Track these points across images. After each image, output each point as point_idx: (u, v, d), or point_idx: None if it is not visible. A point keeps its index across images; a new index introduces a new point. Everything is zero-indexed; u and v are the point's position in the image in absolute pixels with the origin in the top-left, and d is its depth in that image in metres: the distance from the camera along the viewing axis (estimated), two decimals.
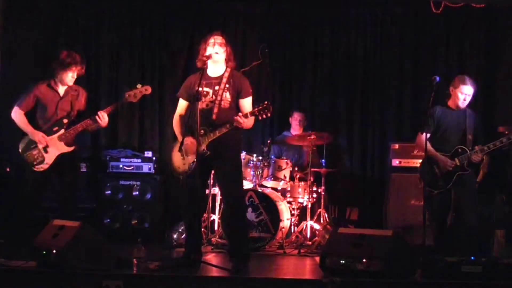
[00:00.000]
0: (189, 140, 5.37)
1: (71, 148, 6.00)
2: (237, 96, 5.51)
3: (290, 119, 8.00)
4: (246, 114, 5.31)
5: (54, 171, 6.00)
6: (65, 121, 6.00)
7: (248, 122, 5.39)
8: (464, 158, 5.95)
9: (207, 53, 5.46)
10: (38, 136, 5.92)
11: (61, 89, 6.07)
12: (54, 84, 6.06)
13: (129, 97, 6.03)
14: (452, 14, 7.88)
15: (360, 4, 8.33)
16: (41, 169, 5.93)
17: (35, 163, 5.92)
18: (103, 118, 5.93)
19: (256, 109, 5.26)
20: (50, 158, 5.93)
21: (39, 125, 6.01)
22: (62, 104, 6.04)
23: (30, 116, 6.09)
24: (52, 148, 5.93)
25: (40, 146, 5.92)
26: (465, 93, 5.99)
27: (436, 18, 7.88)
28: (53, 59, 6.13)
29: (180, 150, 5.34)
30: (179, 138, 5.52)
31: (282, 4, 8.35)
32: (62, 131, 5.97)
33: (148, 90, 6.10)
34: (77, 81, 8.00)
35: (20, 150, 5.99)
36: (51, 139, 5.95)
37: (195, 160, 5.32)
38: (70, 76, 6.03)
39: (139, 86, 6.08)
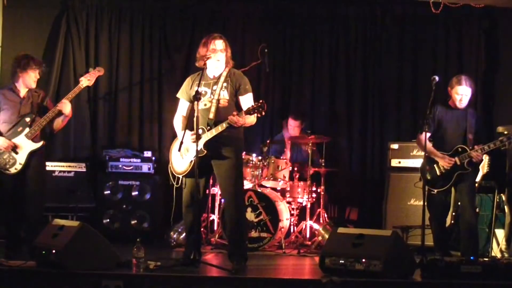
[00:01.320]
0: (188, 140, 5.37)
1: (40, 144, 6.03)
2: (235, 93, 5.50)
3: (284, 121, 7.95)
4: (241, 112, 5.31)
5: (28, 168, 6.02)
6: (28, 119, 6.03)
7: (248, 120, 5.38)
8: (464, 157, 5.95)
9: (207, 55, 5.46)
10: (2, 142, 5.94)
11: (23, 92, 6.10)
12: (15, 88, 6.09)
13: (83, 82, 6.12)
14: (451, 14, 7.88)
15: (360, 4, 8.32)
16: (15, 171, 5.96)
17: (7, 166, 5.95)
18: (64, 103, 5.98)
19: (250, 107, 5.26)
20: (21, 158, 5.97)
21: (2, 128, 6.03)
22: (23, 106, 6.07)
23: None
24: (21, 148, 5.96)
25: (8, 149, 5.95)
26: (461, 94, 6.00)
27: (435, 18, 7.87)
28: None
29: (179, 150, 5.34)
30: (179, 137, 5.52)
31: (282, 4, 8.34)
32: (27, 129, 6.00)
33: (101, 71, 6.25)
34: (76, 82, 8.09)
35: None
36: (18, 139, 5.97)
37: (192, 160, 5.33)
38: (33, 77, 6.06)
39: (91, 69, 6.22)
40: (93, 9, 8.14)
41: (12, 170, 5.97)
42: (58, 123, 6.15)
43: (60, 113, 6.04)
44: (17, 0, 7.87)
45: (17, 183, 6.03)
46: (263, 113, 5.25)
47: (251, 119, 5.43)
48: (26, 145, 5.98)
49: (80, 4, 8.11)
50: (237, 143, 5.53)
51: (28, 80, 6.07)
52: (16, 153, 5.97)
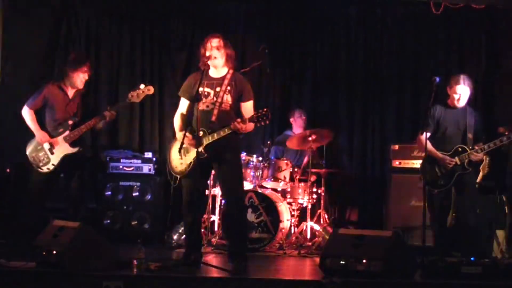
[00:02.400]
0: (188, 140, 5.37)
1: (76, 149, 6.06)
2: (238, 99, 5.50)
3: (291, 119, 7.99)
4: (245, 119, 5.30)
5: (61, 172, 6.10)
6: (70, 122, 6.08)
7: (248, 127, 5.39)
8: (464, 157, 5.95)
9: (207, 54, 5.46)
10: (40, 135, 6.00)
11: (71, 92, 6.16)
12: (64, 86, 6.13)
13: (132, 98, 6.11)
14: (452, 15, 7.88)
15: (360, 4, 8.33)
16: (47, 170, 6.01)
17: (40, 164, 6.01)
18: (112, 113, 6.04)
19: (255, 115, 5.24)
20: (55, 159, 6.01)
21: (45, 125, 6.09)
22: (70, 106, 6.11)
23: (39, 116, 6.19)
24: (57, 149, 6.02)
25: (46, 148, 5.99)
26: (459, 93, 6.00)
27: (436, 18, 7.88)
28: (61, 60, 6.19)
29: (179, 151, 5.34)
30: (178, 137, 5.52)
31: (282, 4, 8.35)
32: (67, 132, 6.04)
33: (150, 90, 6.16)
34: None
35: (27, 152, 6.07)
36: (56, 140, 6.00)
37: (192, 161, 5.33)
38: (81, 77, 6.10)
39: (142, 86, 6.13)
40: (93, 9, 8.15)
41: (44, 169, 6.01)
42: (99, 127, 6.21)
43: (103, 117, 6.06)
44: (17, 1, 7.88)
45: (47, 185, 6.06)
46: (268, 122, 5.25)
47: (251, 126, 5.43)
48: (62, 147, 6.01)
49: (81, 4, 8.13)
50: (236, 145, 5.53)
51: (77, 80, 6.09)
52: (52, 153, 6.00)
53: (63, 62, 7.92)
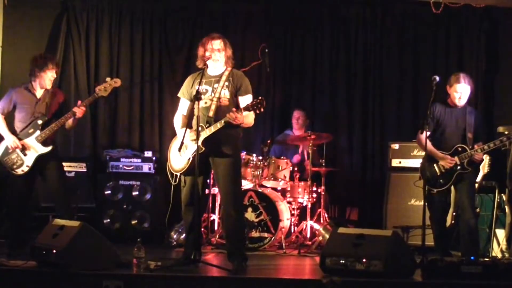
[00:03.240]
0: (187, 138, 5.37)
1: (49, 148, 6.04)
2: (236, 93, 5.51)
3: (292, 119, 8.00)
4: (240, 109, 5.30)
5: (37, 172, 6.05)
6: (40, 122, 6.04)
7: (247, 119, 5.38)
8: (464, 157, 5.95)
9: (207, 54, 5.46)
10: (10, 140, 5.98)
11: (39, 92, 6.12)
12: (31, 88, 6.10)
13: (100, 91, 6.14)
14: (452, 14, 7.88)
15: (360, 4, 8.32)
16: (22, 172, 5.98)
17: (14, 166, 5.98)
18: (82, 109, 5.99)
19: (250, 104, 5.25)
20: (29, 160, 5.98)
21: (16, 127, 6.06)
22: (39, 107, 6.09)
23: (11, 120, 6.16)
24: (30, 150, 5.98)
25: (18, 150, 5.96)
26: (460, 92, 5.99)
27: (436, 18, 7.87)
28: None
29: (180, 149, 5.34)
30: (179, 136, 5.52)
31: (282, 4, 8.34)
32: (38, 132, 6.02)
33: (117, 82, 6.22)
34: (76, 82, 8.09)
35: None
36: (28, 141, 5.98)
37: (191, 157, 5.33)
38: (49, 76, 6.07)
39: (108, 79, 6.19)
40: (94, 9, 8.15)
41: (19, 171, 5.99)
42: (69, 124, 6.16)
43: (73, 113, 6.03)
44: (17, 0, 7.87)
45: (26, 185, 6.05)
46: (262, 110, 5.23)
47: (249, 119, 5.43)
48: (35, 148, 5.99)
49: (81, 4, 8.13)
50: (236, 141, 5.53)
51: (45, 80, 6.08)
52: (25, 154, 5.99)
53: (62, 63, 7.96)
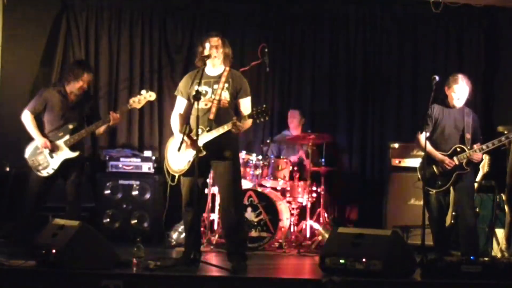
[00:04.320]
0: (186, 138, 5.37)
1: (76, 153, 6.08)
2: (236, 96, 5.50)
3: (288, 120, 7.98)
4: (244, 116, 5.30)
5: (60, 176, 6.09)
6: (71, 126, 6.08)
7: (246, 125, 5.39)
8: (463, 157, 5.95)
9: (205, 53, 5.46)
10: (42, 141, 6.00)
11: (72, 96, 6.13)
12: (64, 91, 6.11)
13: (133, 103, 6.18)
14: (451, 14, 7.88)
15: (360, 4, 8.32)
16: (47, 174, 6.00)
17: (40, 168, 6.01)
18: (116, 116, 6.06)
19: (254, 112, 5.24)
20: (55, 163, 6.01)
21: (45, 129, 6.08)
22: (70, 111, 6.10)
23: (39, 119, 6.20)
24: (57, 153, 6.01)
25: (46, 152, 5.99)
26: (458, 92, 6.00)
27: (436, 18, 7.87)
28: (60, 61, 6.18)
29: (179, 149, 5.33)
30: (176, 135, 5.52)
31: (282, 4, 8.34)
32: (68, 136, 6.04)
33: (152, 96, 6.24)
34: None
35: (26, 155, 6.08)
36: (56, 144, 6.00)
37: (190, 159, 5.33)
38: (80, 85, 6.09)
39: (143, 92, 6.20)
40: (93, 9, 8.15)
41: (44, 173, 6.01)
42: (99, 132, 6.22)
43: (107, 120, 6.08)
44: (17, 0, 7.87)
45: (46, 187, 6.08)
46: (267, 118, 5.25)
47: (248, 124, 5.43)
48: (62, 151, 6.01)
49: (80, 4, 8.13)
50: (235, 143, 5.53)
51: (76, 87, 6.09)
52: (52, 157, 6.00)
53: (62, 63, 7.97)
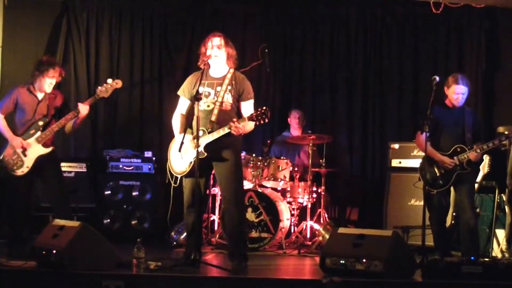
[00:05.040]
0: (188, 141, 5.37)
1: (49, 149, 6.05)
2: (238, 98, 5.50)
3: (288, 119, 7.99)
4: (244, 118, 5.29)
5: (35, 173, 6.04)
6: (41, 123, 6.04)
7: (247, 127, 5.38)
8: (463, 157, 5.95)
9: (207, 54, 5.46)
10: (16, 141, 5.97)
11: (40, 94, 6.11)
12: (33, 89, 6.10)
13: (101, 93, 6.12)
14: (452, 14, 7.88)
15: (360, 4, 8.32)
16: (22, 173, 5.97)
17: (14, 167, 5.97)
18: (83, 107, 5.98)
19: (254, 114, 5.24)
20: (29, 161, 5.97)
21: (16, 128, 6.06)
22: (40, 108, 6.08)
23: (10, 119, 6.14)
24: (30, 151, 5.98)
25: (19, 151, 5.96)
26: (458, 93, 5.99)
27: (436, 18, 7.87)
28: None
29: (179, 150, 5.33)
30: (177, 136, 5.52)
31: (282, 4, 8.34)
32: (39, 133, 6.02)
33: (118, 84, 6.20)
34: (76, 82, 8.10)
35: (0, 156, 6.03)
36: (29, 142, 5.98)
37: (192, 161, 5.33)
38: (48, 82, 6.06)
39: (109, 80, 6.18)
40: (94, 9, 8.16)
41: (19, 173, 5.98)
42: (69, 129, 6.16)
43: (77, 112, 6.03)
44: (17, 0, 7.87)
45: (26, 186, 6.05)
46: (267, 120, 5.24)
47: (250, 127, 5.42)
48: (35, 149, 5.99)
49: (81, 4, 8.13)
50: (237, 144, 5.53)
51: (44, 84, 6.07)
52: (25, 155, 5.98)
53: (62, 63, 7.96)
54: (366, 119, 8.27)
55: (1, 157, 6.04)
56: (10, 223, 6.22)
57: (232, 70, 5.53)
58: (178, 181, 5.51)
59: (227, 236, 5.63)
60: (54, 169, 6.12)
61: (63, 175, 6.49)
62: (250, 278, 5.07)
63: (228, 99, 5.45)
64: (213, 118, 5.38)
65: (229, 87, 5.46)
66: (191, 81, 5.59)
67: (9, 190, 6.11)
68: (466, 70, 7.60)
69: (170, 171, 5.56)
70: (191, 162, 5.36)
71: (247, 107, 5.49)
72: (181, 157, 5.42)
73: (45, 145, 6.02)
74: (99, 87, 6.15)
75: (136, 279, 4.84)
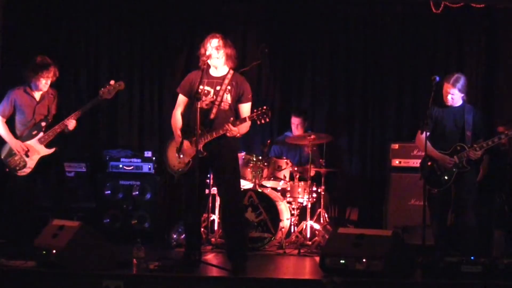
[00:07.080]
0: (186, 139, 5.37)
1: (52, 150, 6.06)
2: (237, 99, 5.50)
3: (291, 124, 7.99)
4: (244, 118, 5.30)
5: (38, 174, 6.06)
6: (43, 124, 6.06)
7: (242, 130, 5.38)
8: (463, 156, 5.95)
9: (207, 53, 5.46)
10: (16, 145, 5.99)
11: (37, 94, 6.13)
12: (29, 90, 6.10)
13: (104, 94, 6.12)
14: (452, 14, 7.88)
15: (360, 4, 8.32)
16: (24, 174, 5.99)
17: (17, 168, 5.98)
18: (70, 124, 6.00)
19: (254, 113, 5.24)
20: (32, 162, 5.99)
21: (18, 130, 6.06)
22: (39, 108, 6.10)
23: (10, 121, 6.16)
24: (33, 152, 5.99)
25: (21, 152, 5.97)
26: (448, 92, 6.01)
27: (436, 18, 7.87)
28: (28, 64, 6.15)
29: (178, 150, 5.34)
30: (176, 135, 5.52)
31: (282, 4, 8.34)
32: (41, 134, 6.02)
33: (121, 85, 6.20)
34: (76, 82, 8.10)
35: (2, 157, 6.05)
36: (31, 143, 5.98)
37: (190, 160, 5.33)
38: (43, 82, 6.07)
39: (112, 82, 6.17)
40: (94, 9, 8.14)
41: (21, 173, 5.99)
42: (70, 127, 6.14)
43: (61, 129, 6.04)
44: (17, 2, 7.87)
45: (28, 186, 6.06)
46: (268, 120, 5.24)
47: (245, 129, 5.43)
48: (38, 150, 6.00)
49: (81, 4, 8.12)
50: (235, 143, 5.54)
51: (39, 85, 6.07)
52: (28, 156, 5.99)
53: (62, 63, 7.95)
54: (366, 119, 8.27)
55: (2, 158, 6.05)
56: (11, 223, 6.22)
57: (232, 71, 5.53)
58: (175, 180, 5.51)
59: (226, 236, 5.63)
60: (56, 170, 6.12)
61: (66, 176, 6.49)
62: (250, 278, 5.07)
63: (227, 99, 5.45)
64: (212, 117, 5.40)
65: (229, 87, 5.46)
66: (189, 79, 5.60)
67: (11, 190, 6.12)
68: (465, 70, 7.59)
69: (168, 170, 5.55)
70: (189, 161, 5.37)
71: (245, 110, 5.50)
72: (179, 156, 5.43)
73: (47, 146, 6.03)
74: (102, 89, 6.14)
75: (135, 279, 4.85)
